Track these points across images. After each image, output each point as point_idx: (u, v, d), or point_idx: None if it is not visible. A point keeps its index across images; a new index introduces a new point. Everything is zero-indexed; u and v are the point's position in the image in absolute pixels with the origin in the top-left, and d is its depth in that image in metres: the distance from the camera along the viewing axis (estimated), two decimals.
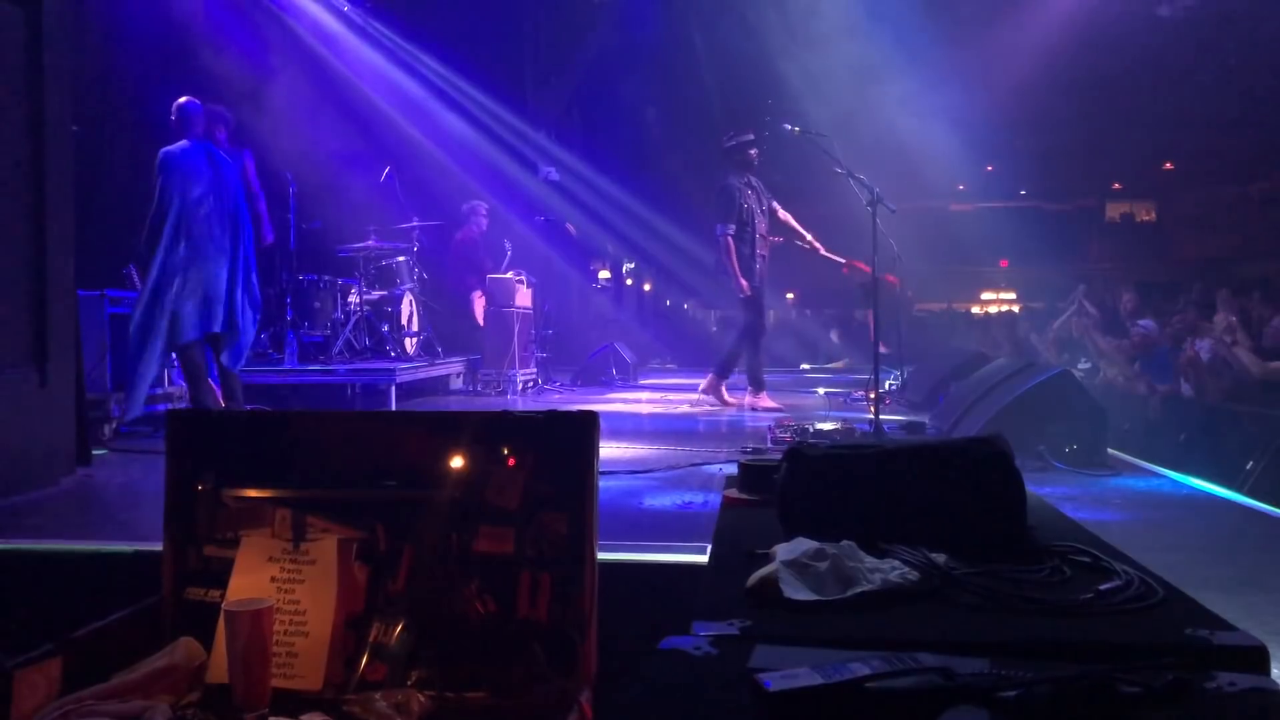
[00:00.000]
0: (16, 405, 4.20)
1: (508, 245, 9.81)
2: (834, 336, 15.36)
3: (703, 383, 7.77)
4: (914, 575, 1.63)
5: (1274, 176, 20.23)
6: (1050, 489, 3.95)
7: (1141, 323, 9.14)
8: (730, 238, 7.21)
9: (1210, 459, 6.02)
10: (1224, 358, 7.50)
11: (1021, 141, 19.80)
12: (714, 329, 15.93)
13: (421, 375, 8.36)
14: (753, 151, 7.41)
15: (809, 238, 7.69)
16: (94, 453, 5.04)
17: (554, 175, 11.34)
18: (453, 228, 9.94)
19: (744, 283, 7.22)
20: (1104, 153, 21.75)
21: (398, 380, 7.51)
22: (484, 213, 10.00)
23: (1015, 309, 19.32)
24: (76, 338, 4.78)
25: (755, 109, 14.73)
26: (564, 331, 10.86)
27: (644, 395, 8.91)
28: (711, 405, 7.54)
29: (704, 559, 2.33)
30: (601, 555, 2.03)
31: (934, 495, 1.90)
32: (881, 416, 5.57)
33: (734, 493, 2.52)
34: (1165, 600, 1.57)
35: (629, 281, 10.03)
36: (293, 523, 2.10)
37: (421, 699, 1.91)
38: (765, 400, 7.37)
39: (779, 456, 2.11)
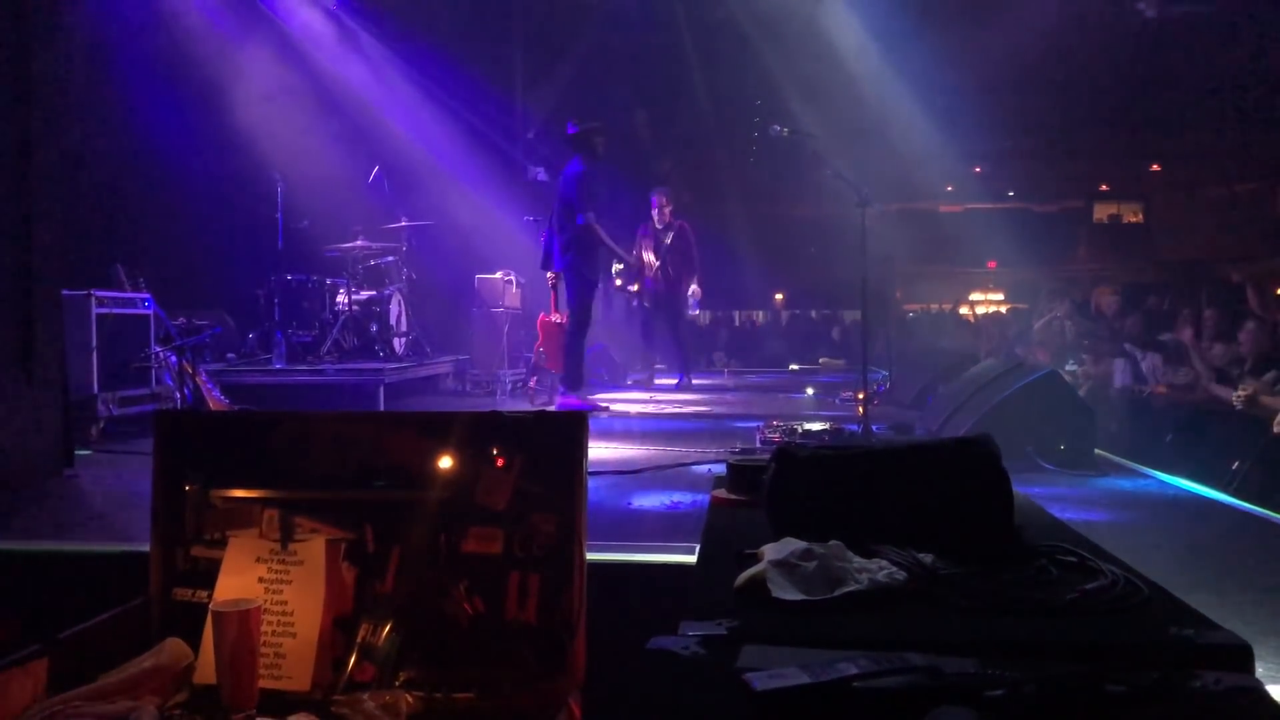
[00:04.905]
0: (1, 406, 4.18)
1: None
2: (835, 335, 15.39)
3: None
4: (901, 575, 1.64)
5: (1260, 178, 20.34)
6: (1038, 489, 3.97)
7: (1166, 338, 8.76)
8: (596, 224, 7.15)
9: (1196, 460, 6.04)
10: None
11: (1010, 143, 19.87)
12: (703, 327, 15.97)
13: (410, 376, 8.35)
14: (600, 139, 7.26)
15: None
16: (80, 453, 5.01)
17: (542, 176, 11.31)
18: (441, 228, 9.94)
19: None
20: (1091, 154, 21.87)
21: (386, 381, 7.50)
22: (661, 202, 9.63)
23: (1003, 310, 19.40)
24: (61, 338, 4.76)
25: (745, 110, 14.77)
26: None
27: (633, 395, 8.91)
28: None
29: (692, 559, 2.34)
30: (590, 556, 2.03)
31: (922, 496, 1.91)
32: (870, 417, 5.58)
33: (722, 493, 2.52)
34: (1150, 600, 1.58)
35: (618, 283, 10.04)
36: (280, 523, 2.09)
37: (409, 700, 1.91)
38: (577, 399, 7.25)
39: (768, 457, 2.11)
